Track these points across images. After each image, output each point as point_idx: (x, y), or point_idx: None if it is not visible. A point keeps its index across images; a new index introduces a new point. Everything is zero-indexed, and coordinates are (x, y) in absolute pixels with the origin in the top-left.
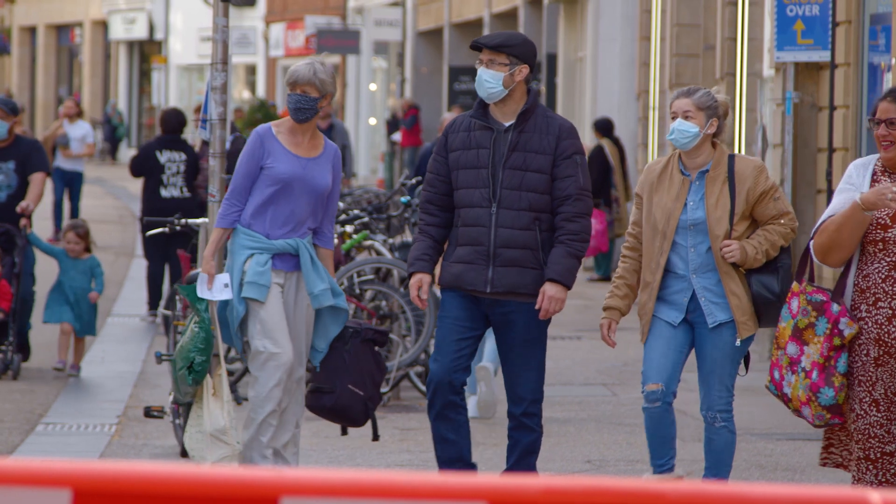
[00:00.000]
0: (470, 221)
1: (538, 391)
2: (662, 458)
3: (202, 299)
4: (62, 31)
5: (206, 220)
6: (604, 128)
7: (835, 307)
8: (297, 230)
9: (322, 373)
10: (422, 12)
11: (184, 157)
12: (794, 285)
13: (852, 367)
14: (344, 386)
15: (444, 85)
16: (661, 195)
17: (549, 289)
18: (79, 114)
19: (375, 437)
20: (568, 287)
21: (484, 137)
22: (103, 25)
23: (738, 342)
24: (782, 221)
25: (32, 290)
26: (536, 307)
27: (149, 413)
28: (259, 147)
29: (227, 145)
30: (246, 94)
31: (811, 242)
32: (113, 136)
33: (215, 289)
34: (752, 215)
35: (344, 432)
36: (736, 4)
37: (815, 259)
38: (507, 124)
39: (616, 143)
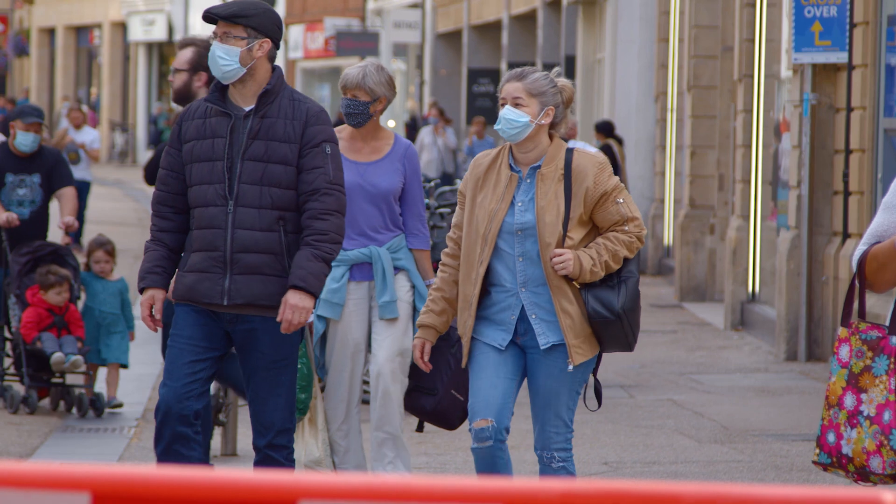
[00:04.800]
0: (204, 223)
1: (287, 420)
2: None
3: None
4: (81, 32)
5: None
6: (605, 129)
7: (894, 340)
8: (371, 238)
9: (423, 372)
10: (441, 14)
11: None
12: (842, 331)
13: None
14: (447, 389)
15: (462, 87)
16: (486, 193)
17: (292, 297)
18: (84, 119)
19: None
20: (314, 294)
21: (220, 125)
22: (122, 27)
23: (570, 368)
24: (627, 228)
25: None
26: (278, 319)
27: None
28: None
29: None
30: None
31: (856, 279)
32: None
33: None
34: (592, 221)
35: (420, 429)
36: (754, 6)
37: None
38: (247, 109)
39: (619, 142)
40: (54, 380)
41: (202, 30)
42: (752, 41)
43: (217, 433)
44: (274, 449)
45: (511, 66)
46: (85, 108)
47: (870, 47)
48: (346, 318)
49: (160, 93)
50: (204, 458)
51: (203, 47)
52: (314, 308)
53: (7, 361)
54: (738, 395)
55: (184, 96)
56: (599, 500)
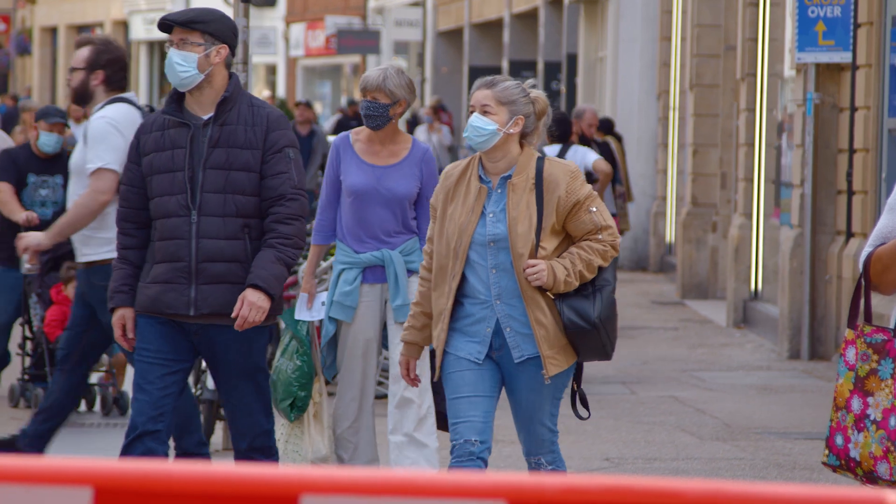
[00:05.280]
0: (167, 234)
1: (265, 422)
2: None
3: (302, 323)
4: (83, 31)
5: None
6: (604, 126)
7: None
8: (383, 241)
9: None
10: (442, 12)
11: None
12: (849, 332)
13: None
14: None
15: (463, 85)
16: (456, 206)
17: (251, 294)
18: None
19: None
20: (271, 296)
21: (179, 135)
22: (124, 26)
23: (546, 380)
24: (600, 237)
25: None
26: (233, 315)
27: None
28: (335, 157)
29: None
30: (266, 94)
31: (862, 280)
32: None
33: (315, 309)
34: (566, 230)
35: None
36: (757, 5)
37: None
38: (205, 117)
39: (618, 139)
40: None
41: None
42: (755, 40)
43: (218, 428)
44: (255, 451)
45: (513, 64)
46: None
47: (874, 47)
48: (358, 320)
49: (161, 91)
50: (205, 454)
51: (101, 44)
52: (328, 310)
53: (27, 361)
54: (740, 393)
55: (82, 95)
56: (601, 496)
